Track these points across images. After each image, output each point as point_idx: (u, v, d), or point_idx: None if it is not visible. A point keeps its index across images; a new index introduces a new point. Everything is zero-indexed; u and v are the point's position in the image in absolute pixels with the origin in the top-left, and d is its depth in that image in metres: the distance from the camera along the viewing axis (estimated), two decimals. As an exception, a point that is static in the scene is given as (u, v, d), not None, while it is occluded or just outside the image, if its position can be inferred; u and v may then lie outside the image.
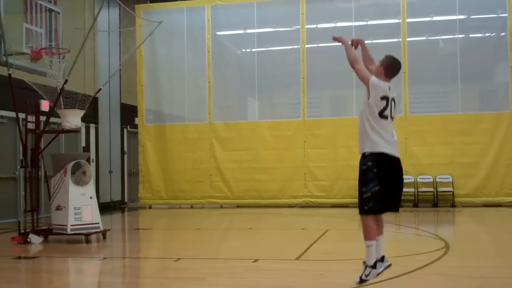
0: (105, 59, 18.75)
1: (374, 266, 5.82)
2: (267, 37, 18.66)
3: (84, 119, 11.55)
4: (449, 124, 16.75)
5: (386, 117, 5.83)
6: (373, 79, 5.85)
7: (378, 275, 5.88)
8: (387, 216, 6.04)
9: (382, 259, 5.88)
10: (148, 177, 18.61)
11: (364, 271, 5.84)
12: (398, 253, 8.93)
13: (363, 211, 5.83)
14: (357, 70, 5.94)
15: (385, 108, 5.82)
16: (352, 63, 5.95)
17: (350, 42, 6.14)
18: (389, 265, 5.94)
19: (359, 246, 10.27)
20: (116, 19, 19.17)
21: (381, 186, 5.72)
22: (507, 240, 10.47)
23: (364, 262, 5.87)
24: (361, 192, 5.83)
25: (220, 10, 18.39)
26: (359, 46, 6.26)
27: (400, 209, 17.03)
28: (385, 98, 5.82)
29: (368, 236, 5.81)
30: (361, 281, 5.87)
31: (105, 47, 18.82)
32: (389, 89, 5.89)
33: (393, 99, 5.91)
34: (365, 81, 5.87)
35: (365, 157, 5.83)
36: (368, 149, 5.81)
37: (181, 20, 18.68)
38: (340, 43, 6.14)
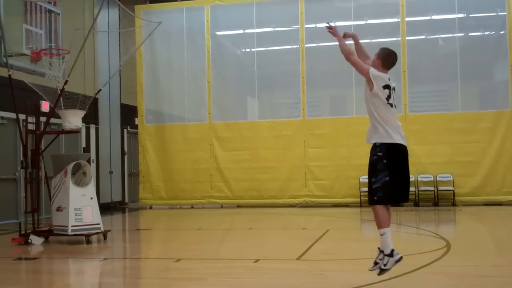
0: (105, 59, 18.77)
1: (391, 255, 5.80)
2: (266, 37, 18.66)
3: (84, 119, 11.55)
4: (449, 123, 16.75)
5: (391, 105, 5.89)
6: (372, 69, 5.90)
7: (396, 263, 5.83)
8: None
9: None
10: (148, 178, 18.61)
11: (382, 261, 5.82)
12: (399, 252, 8.92)
13: (372, 201, 5.85)
14: (354, 62, 5.97)
15: (389, 97, 5.87)
16: (347, 56, 5.97)
17: (342, 35, 6.21)
18: (401, 258, 5.87)
19: (360, 246, 10.31)
20: (115, 19, 19.17)
21: (391, 176, 5.74)
22: (508, 239, 10.47)
23: (381, 251, 5.84)
24: (370, 183, 5.86)
25: (219, 10, 18.38)
26: (352, 41, 6.36)
27: (401, 208, 17.07)
28: (387, 87, 5.89)
29: (380, 224, 5.80)
30: (381, 271, 5.86)
31: (105, 48, 18.83)
32: (389, 79, 5.96)
33: (393, 88, 5.98)
34: (364, 72, 5.91)
35: (375, 148, 5.86)
36: (378, 140, 5.84)
37: (180, 20, 18.69)
38: (334, 36, 6.20)
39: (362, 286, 6.24)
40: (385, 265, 5.81)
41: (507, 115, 16.48)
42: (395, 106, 5.95)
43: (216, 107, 18.30)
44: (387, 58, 6.06)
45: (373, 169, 5.83)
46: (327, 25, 6.30)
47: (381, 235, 5.81)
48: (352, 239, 11.19)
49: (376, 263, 5.90)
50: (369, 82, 5.88)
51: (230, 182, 17.98)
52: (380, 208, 5.81)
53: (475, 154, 16.56)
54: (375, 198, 5.80)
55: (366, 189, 16.61)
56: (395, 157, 5.81)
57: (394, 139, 5.81)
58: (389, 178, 5.74)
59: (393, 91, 5.97)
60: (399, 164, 5.84)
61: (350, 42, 6.41)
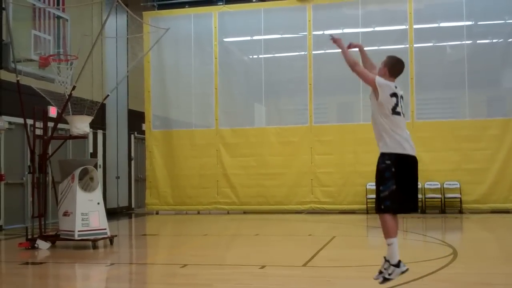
0: (113, 65, 18.84)
1: (397, 265, 5.73)
2: (274, 43, 18.69)
3: (91, 125, 11.60)
4: (456, 130, 16.71)
5: (399, 114, 5.82)
6: (378, 78, 5.86)
7: (401, 274, 5.78)
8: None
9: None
10: (155, 183, 18.64)
11: (387, 270, 5.75)
12: (406, 259, 8.87)
13: (379, 210, 5.79)
14: (359, 72, 5.95)
15: (396, 105, 5.80)
16: (352, 66, 5.94)
17: (348, 45, 6.19)
18: (407, 270, 5.81)
19: (366, 253, 10.29)
20: (123, 25, 19.25)
21: (398, 185, 5.67)
22: (515, 247, 10.41)
23: (387, 260, 5.78)
24: (378, 191, 5.80)
25: (227, 16, 18.44)
26: (358, 50, 6.34)
27: (408, 215, 16.97)
28: (394, 95, 5.82)
29: (388, 233, 5.74)
30: (385, 280, 5.80)
31: (113, 54, 18.90)
32: (396, 87, 5.90)
33: (401, 97, 5.91)
34: (370, 81, 5.87)
35: (383, 156, 5.81)
36: (386, 150, 5.77)
37: (188, 26, 18.75)
38: (338, 47, 6.15)
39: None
40: (389, 274, 5.75)
41: (515, 122, 16.43)
42: (403, 115, 5.88)
43: (223, 113, 18.34)
44: (394, 66, 6.01)
45: (381, 177, 5.77)
46: (331, 36, 6.29)
47: (388, 244, 5.74)
48: (358, 246, 11.17)
49: (380, 272, 5.85)
50: (376, 91, 5.83)
51: (237, 188, 17.98)
52: (387, 217, 5.74)
53: (482, 161, 16.50)
54: (382, 207, 5.74)
55: (373, 196, 16.71)
56: (404, 166, 5.74)
57: (404, 149, 5.76)
58: (396, 187, 5.67)
59: (401, 99, 5.90)
60: (407, 174, 5.78)
61: (355, 50, 6.40)
